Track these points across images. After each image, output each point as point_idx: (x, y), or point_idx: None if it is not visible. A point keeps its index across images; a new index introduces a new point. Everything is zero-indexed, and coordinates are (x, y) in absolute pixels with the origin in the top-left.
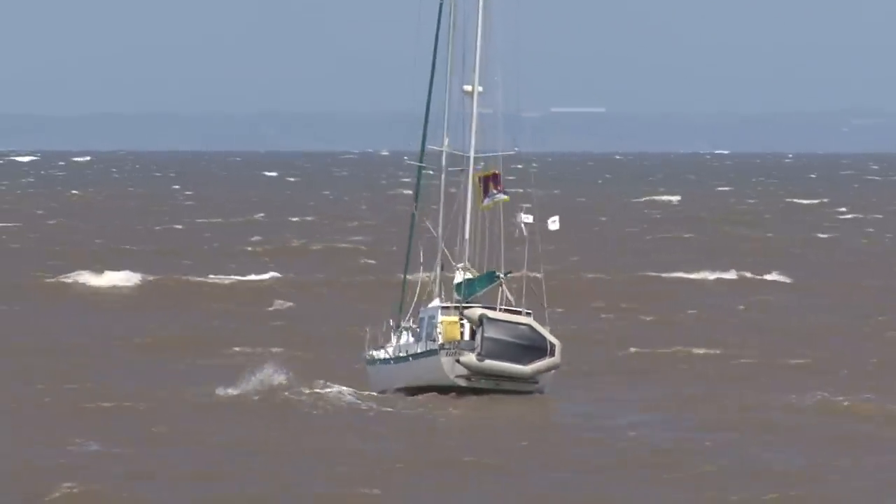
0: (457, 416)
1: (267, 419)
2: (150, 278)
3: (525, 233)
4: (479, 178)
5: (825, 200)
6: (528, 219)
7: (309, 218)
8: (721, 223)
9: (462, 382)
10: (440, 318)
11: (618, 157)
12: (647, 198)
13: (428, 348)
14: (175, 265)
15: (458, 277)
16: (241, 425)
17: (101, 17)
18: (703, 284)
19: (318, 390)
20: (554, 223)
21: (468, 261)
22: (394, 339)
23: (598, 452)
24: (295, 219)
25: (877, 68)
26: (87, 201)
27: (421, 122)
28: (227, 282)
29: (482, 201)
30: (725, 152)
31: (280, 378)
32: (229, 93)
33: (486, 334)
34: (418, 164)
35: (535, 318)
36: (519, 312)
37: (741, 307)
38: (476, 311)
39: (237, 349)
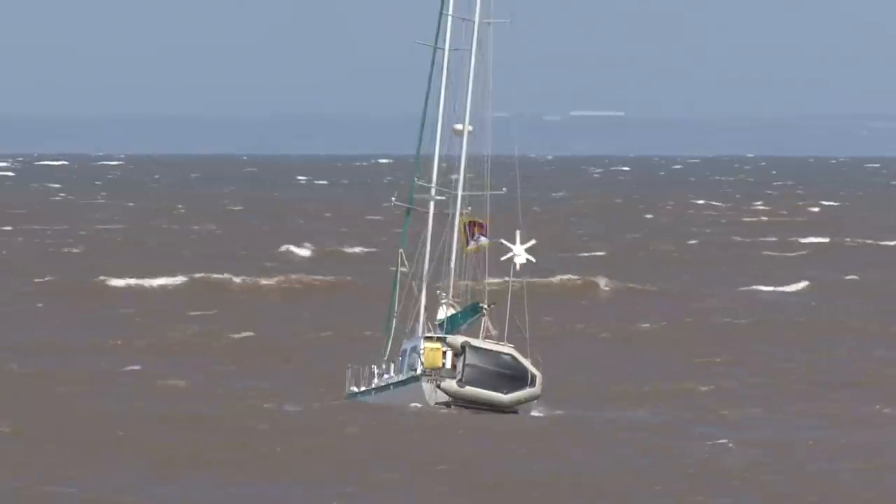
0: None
1: None
2: None
3: (521, 261)
4: (465, 224)
5: None
6: (522, 249)
7: None
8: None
9: (441, 409)
10: (423, 345)
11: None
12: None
13: (409, 376)
14: None
15: (441, 314)
16: None
17: (119, 18)
18: None
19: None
20: (519, 256)
21: (451, 297)
22: (376, 380)
23: None
24: None
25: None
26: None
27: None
28: None
29: (466, 245)
30: (749, 155)
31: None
32: (251, 96)
33: (467, 361)
34: (407, 205)
35: (517, 350)
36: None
37: None
38: (458, 339)
39: None
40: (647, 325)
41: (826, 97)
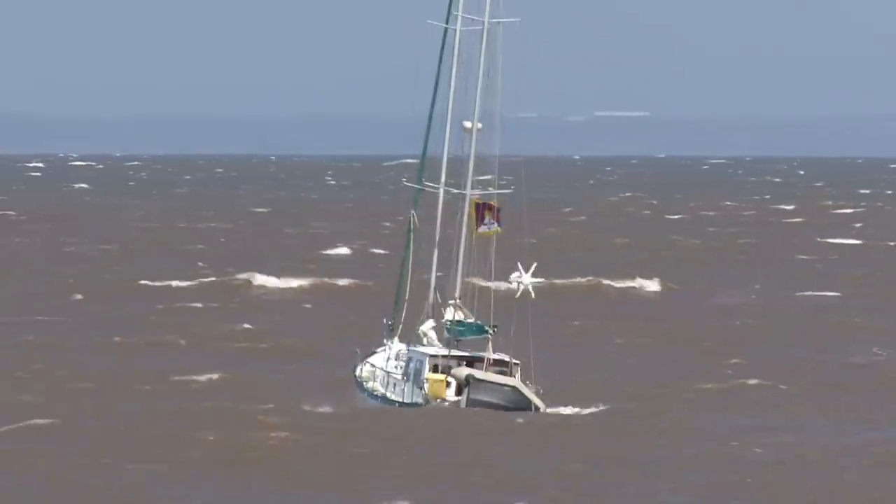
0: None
1: None
2: None
3: (529, 291)
4: (476, 205)
5: None
6: (528, 278)
7: None
8: None
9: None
10: (427, 370)
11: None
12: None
13: (413, 399)
14: None
15: (449, 314)
16: None
17: (140, 19)
18: None
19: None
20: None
21: (458, 297)
22: (384, 351)
23: None
24: None
25: None
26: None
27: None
28: None
29: (477, 228)
30: (773, 155)
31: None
32: (273, 97)
33: (471, 395)
34: (416, 186)
35: (522, 370)
36: (507, 363)
37: None
38: (463, 371)
39: None
40: (677, 323)
41: (848, 98)
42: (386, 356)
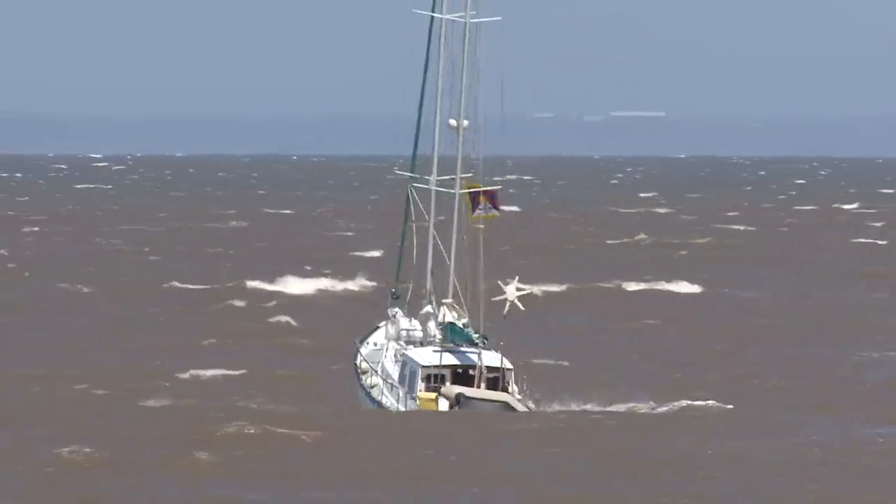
0: None
1: None
2: None
3: (518, 306)
4: (469, 188)
5: None
6: (514, 292)
7: None
8: None
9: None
10: (419, 383)
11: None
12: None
13: (407, 409)
14: None
15: (445, 315)
16: None
17: (159, 19)
18: None
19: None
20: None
21: (452, 297)
22: (385, 326)
23: None
24: None
25: None
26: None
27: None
28: None
29: (472, 213)
30: (795, 155)
31: None
32: (292, 97)
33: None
34: (409, 174)
35: (515, 376)
36: (497, 369)
37: None
38: (453, 390)
39: None
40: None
41: (868, 98)
42: (386, 331)
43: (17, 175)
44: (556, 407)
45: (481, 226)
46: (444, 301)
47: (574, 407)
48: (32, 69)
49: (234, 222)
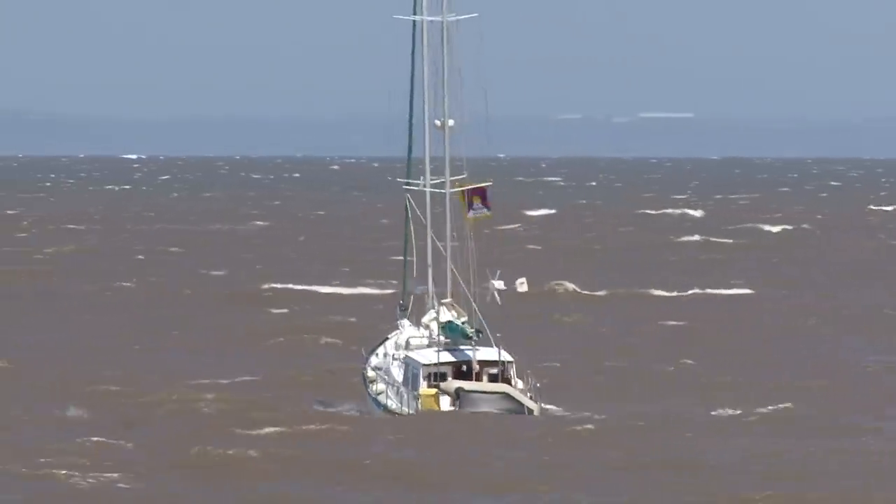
0: None
1: None
2: None
3: (498, 299)
4: (464, 192)
5: None
6: (500, 284)
7: None
8: None
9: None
10: (421, 382)
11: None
12: None
13: (409, 411)
14: None
15: (444, 315)
16: None
17: (180, 21)
18: None
19: None
20: (522, 285)
21: (450, 297)
22: (395, 336)
23: None
24: None
25: None
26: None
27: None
28: None
29: (467, 213)
30: (816, 157)
31: None
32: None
33: (461, 408)
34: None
35: (516, 367)
36: (495, 363)
37: None
38: (452, 385)
39: None
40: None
41: (893, 100)
42: (395, 342)
43: (52, 176)
44: (581, 413)
45: (472, 220)
46: (442, 301)
47: (629, 409)
48: (58, 70)
49: (260, 222)
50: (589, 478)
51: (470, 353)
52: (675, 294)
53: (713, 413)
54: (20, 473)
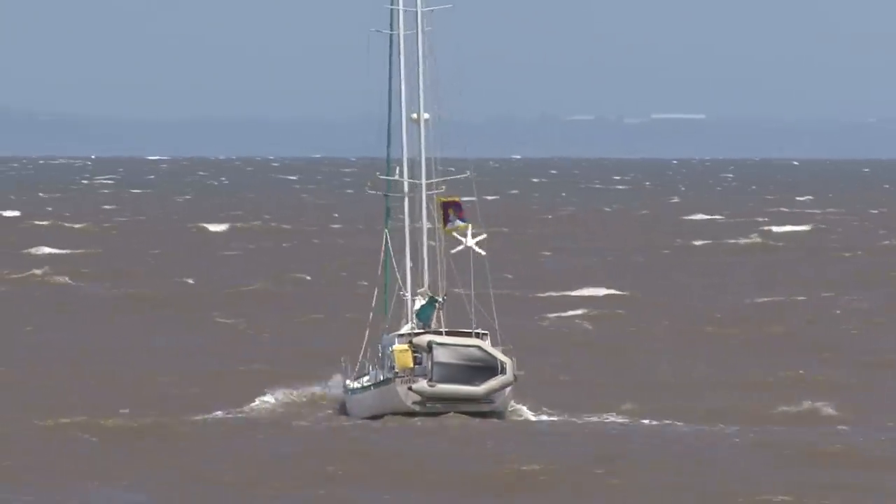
0: None
1: None
2: None
3: (481, 252)
4: (440, 204)
5: None
6: (472, 242)
7: None
8: None
9: (417, 408)
10: (394, 346)
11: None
12: None
13: (385, 377)
14: None
15: (418, 304)
16: None
17: (198, 22)
18: None
19: None
20: (481, 245)
21: (428, 286)
22: (370, 368)
23: None
24: None
25: None
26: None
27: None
28: None
29: (444, 226)
30: (834, 158)
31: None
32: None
33: (435, 360)
34: (385, 185)
35: (489, 339)
36: (469, 335)
37: None
38: (424, 338)
39: None
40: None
41: None
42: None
43: (104, 179)
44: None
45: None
46: (419, 291)
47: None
48: (74, 71)
49: (292, 227)
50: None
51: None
52: None
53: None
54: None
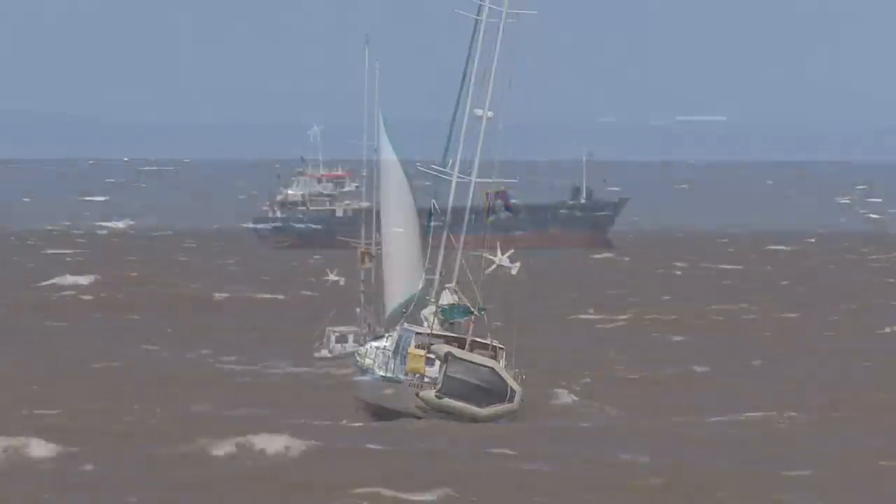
0: None
1: None
2: None
3: (514, 270)
4: (486, 194)
5: None
6: (506, 261)
7: None
8: None
9: (420, 413)
10: (412, 345)
11: None
12: None
13: (396, 374)
14: None
15: (446, 298)
16: None
17: (211, 25)
18: None
19: None
20: (515, 267)
21: (455, 283)
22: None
23: None
24: None
25: None
26: None
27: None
28: None
29: (488, 216)
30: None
31: None
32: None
33: (448, 372)
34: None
35: (506, 355)
36: (486, 346)
37: None
38: (443, 348)
39: None
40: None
41: None
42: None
43: (110, 180)
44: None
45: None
46: (446, 286)
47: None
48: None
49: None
50: None
51: (463, 336)
52: None
53: None
54: None
